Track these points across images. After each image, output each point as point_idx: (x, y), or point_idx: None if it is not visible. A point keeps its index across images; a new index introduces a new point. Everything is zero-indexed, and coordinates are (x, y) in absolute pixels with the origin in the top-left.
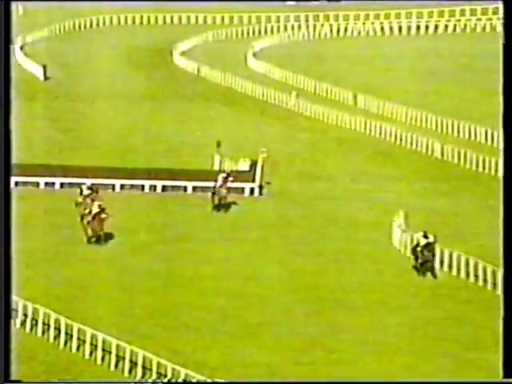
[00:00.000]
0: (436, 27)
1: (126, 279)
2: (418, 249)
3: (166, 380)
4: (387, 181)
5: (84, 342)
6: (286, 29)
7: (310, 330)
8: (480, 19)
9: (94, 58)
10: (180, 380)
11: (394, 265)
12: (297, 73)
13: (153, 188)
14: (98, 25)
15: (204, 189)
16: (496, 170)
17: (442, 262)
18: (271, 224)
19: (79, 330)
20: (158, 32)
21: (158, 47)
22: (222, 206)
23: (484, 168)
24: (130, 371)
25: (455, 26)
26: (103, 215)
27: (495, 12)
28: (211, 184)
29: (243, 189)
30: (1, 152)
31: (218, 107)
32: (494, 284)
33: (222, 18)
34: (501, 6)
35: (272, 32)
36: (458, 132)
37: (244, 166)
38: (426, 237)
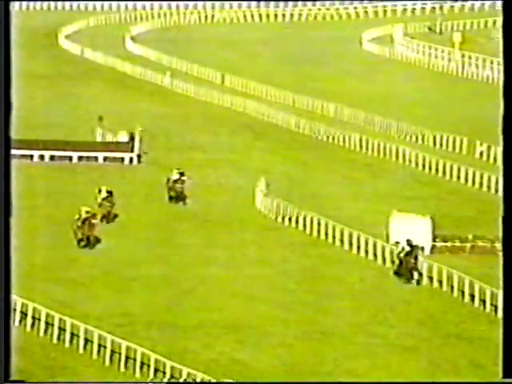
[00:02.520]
0: (301, 15)
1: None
2: (401, 255)
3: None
4: (251, 151)
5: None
6: (159, 15)
7: (182, 283)
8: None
9: None
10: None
11: (257, 224)
12: (170, 55)
13: (40, 157)
14: None
15: (88, 158)
16: (344, 141)
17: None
18: (149, 189)
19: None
20: (43, 17)
21: (43, 31)
22: (177, 198)
23: (333, 139)
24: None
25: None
26: (93, 220)
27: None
28: (94, 154)
29: (123, 158)
30: None
31: (100, 85)
32: (470, 295)
33: (102, 6)
34: (501, 6)
35: (147, 18)
36: (313, 107)
37: (123, 137)
38: (410, 244)
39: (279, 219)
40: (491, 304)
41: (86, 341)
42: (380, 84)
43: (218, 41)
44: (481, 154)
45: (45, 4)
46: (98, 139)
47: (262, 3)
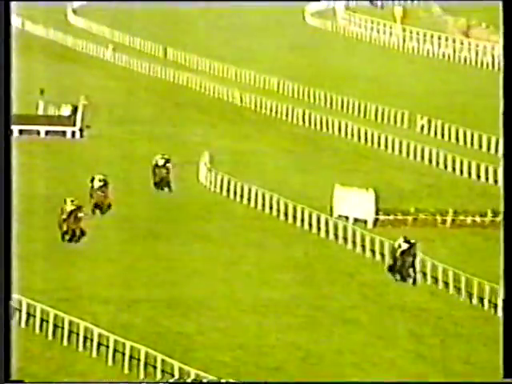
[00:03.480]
0: None
1: None
2: (398, 254)
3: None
4: (195, 124)
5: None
6: None
7: (125, 258)
8: None
9: None
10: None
11: (200, 199)
12: (112, 28)
13: None
14: None
15: (29, 132)
16: (287, 115)
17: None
18: (92, 163)
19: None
20: None
21: None
22: (162, 184)
23: (277, 113)
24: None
25: None
26: (80, 214)
27: None
28: (36, 128)
29: (65, 132)
30: None
31: (41, 58)
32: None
33: None
34: (500, 5)
35: None
36: (255, 81)
37: (66, 111)
38: (407, 241)
39: (223, 193)
40: (432, 276)
41: (29, 315)
42: (322, 58)
43: (159, 14)
44: (422, 127)
45: None
46: (40, 112)
47: None
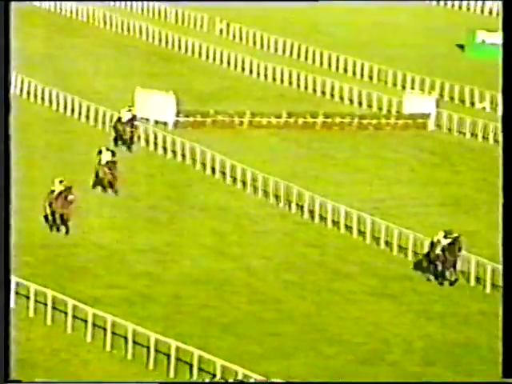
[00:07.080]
0: None
1: None
2: (437, 251)
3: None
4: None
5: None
6: None
7: None
8: None
9: None
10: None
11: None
12: None
13: None
14: None
15: None
16: (88, 17)
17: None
18: None
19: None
20: None
21: None
22: (124, 140)
23: (77, 15)
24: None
25: None
26: (70, 196)
27: None
28: None
29: None
30: None
31: None
32: (211, 168)
33: None
34: (500, 5)
35: None
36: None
37: None
38: (447, 236)
39: (30, 99)
40: (232, 176)
41: None
42: None
43: None
44: (220, 31)
45: None
46: None
47: None
